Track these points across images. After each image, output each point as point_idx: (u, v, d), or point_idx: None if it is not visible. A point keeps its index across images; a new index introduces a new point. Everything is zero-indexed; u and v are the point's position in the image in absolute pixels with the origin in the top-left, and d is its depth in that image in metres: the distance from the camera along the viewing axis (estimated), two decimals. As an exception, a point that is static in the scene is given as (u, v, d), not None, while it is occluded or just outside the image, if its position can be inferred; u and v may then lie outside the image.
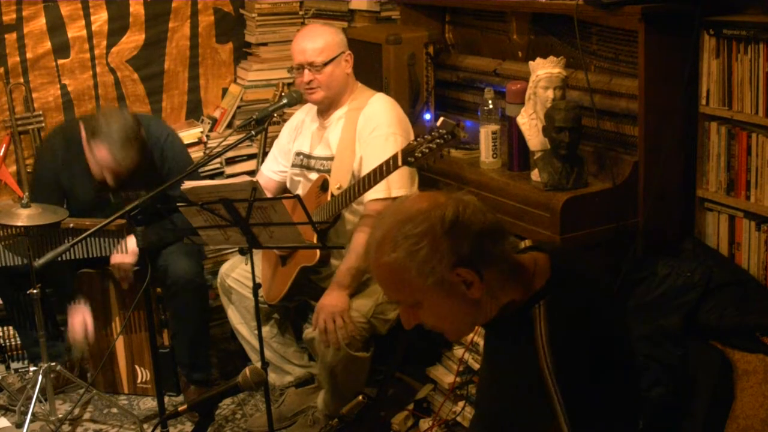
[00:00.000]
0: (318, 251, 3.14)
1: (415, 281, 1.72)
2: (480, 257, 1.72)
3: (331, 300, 3.08)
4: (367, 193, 3.07)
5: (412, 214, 1.73)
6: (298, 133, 3.47)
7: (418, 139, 2.80)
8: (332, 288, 3.11)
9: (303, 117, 3.50)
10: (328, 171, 3.25)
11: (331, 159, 3.27)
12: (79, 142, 3.51)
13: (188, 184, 2.89)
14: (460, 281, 1.72)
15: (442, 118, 2.74)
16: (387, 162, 2.90)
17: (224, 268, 3.54)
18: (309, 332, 3.20)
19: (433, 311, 1.77)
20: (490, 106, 3.39)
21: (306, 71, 3.24)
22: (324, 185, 3.23)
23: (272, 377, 3.50)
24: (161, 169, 3.61)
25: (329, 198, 3.16)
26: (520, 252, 1.89)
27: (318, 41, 3.22)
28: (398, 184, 3.14)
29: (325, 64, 3.22)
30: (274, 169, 3.55)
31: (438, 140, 2.73)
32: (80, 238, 3.12)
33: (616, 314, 1.90)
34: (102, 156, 3.39)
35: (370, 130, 3.19)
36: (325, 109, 3.34)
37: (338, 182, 3.17)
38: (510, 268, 1.77)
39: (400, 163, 2.84)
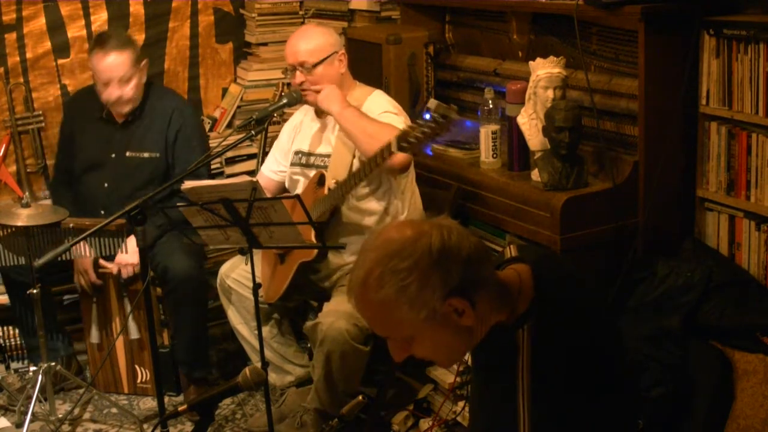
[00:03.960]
0: (316, 246, 3.13)
1: (406, 317, 1.65)
2: (470, 284, 1.66)
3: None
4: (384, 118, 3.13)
5: (396, 248, 1.65)
6: (297, 132, 3.48)
7: (411, 124, 2.80)
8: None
9: (302, 117, 3.50)
10: (327, 167, 3.25)
11: (330, 156, 3.27)
12: (95, 97, 3.73)
13: (188, 184, 2.89)
14: (452, 311, 1.67)
15: (434, 101, 2.73)
16: (381, 151, 2.90)
17: (224, 269, 3.54)
18: (309, 323, 3.20)
19: (426, 344, 1.72)
20: (490, 106, 3.39)
21: (298, 72, 3.24)
22: (321, 180, 3.23)
23: (272, 377, 3.49)
24: (170, 143, 3.76)
25: (326, 192, 3.17)
26: (504, 264, 1.84)
27: (310, 42, 3.23)
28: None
29: (316, 65, 3.22)
30: (274, 169, 3.55)
31: (431, 124, 2.72)
32: (80, 238, 3.11)
33: (605, 325, 1.85)
34: (100, 63, 3.60)
35: (377, 113, 3.19)
36: (321, 109, 3.35)
37: (335, 177, 3.18)
38: (497, 289, 1.72)
39: (394, 149, 2.83)
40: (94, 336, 3.74)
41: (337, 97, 3.16)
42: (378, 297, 1.66)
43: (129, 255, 3.53)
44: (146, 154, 3.74)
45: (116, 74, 3.59)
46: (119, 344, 3.73)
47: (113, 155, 3.76)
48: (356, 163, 3.19)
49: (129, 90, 3.64)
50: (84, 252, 3.45)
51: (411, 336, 1.71)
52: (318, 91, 3.22)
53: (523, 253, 1.86)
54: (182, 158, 3.73)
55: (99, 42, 3.64)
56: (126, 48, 3.62)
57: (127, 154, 3.75)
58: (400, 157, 2.96)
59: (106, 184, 3.76)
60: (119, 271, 3.61)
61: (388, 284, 1.64)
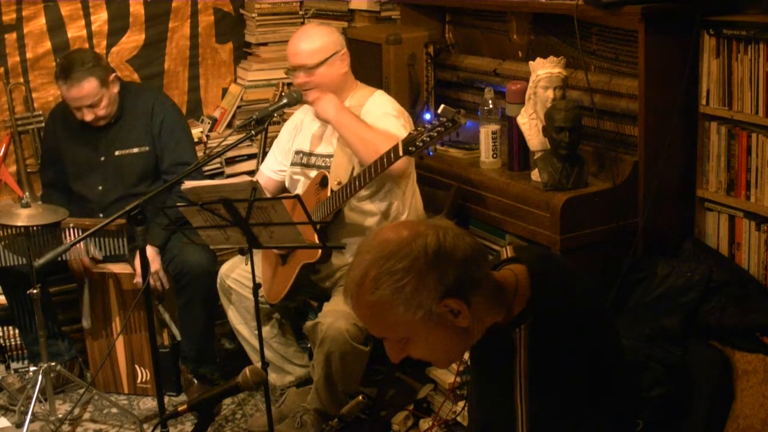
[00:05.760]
0: (319, 248, 3.13)
1: (402, 317, 1.66)
2: (466, 284, 1.67)
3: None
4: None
5: (392, 249, 1.66)
6: (298, 132, 3.48)
7: (419, 128, 2.80)
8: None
9: (302, 117, 3.50)
10: (328, 168, 3.25)
11: (332, 156, 3.27)
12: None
13: (188, 184, 2.89)
14: (448, 311, 1.67)
15: (442, 106, 2.73)
16: (387, 153, 2.89)
17: (224, 269, 3.54)
18: (309, 323, 3.20)
19: (422, 344, 1.72)
20: (490, 106, 3.40)
21: (299, 73, 3.24)
22: (323, 181, 3.23)
23: (273, 377, 3.50)
24: (156, 135, 3.74)
25: (329, 194, 3.17)
26: (501, 264, 1.85)
27: (311, 43, 3.23)
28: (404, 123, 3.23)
29: (318, 65, 3.22)
30: (274, 168, 3.55)
31: (439, 128, 2.73)
32: (80, 238, 3.12)
33: (602, 324, 1.85)
34: (66, 94, 3.56)
35: (377, 114, 3.19)
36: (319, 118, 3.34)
37: (338, 178, 3.18)
38: (493, 290, 1.73)
39: (401, 153, 2.83)
40: (86, 323, 3.71)
41: (333, 103, 3.16)
42: (374, 298, 1.66)
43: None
44: (136, 150, 3.73)
45: (85, 102, 3.57)
46: (119, 344, 3.73)
47: (102, 158, 3.74)
48: (357, 164, 3.19)
49: (101, 109, 3.62)
50: (87, 251, 3.45)
51: (407, 337, 1.71)
52: (315, 97, 3.23)
53: (520, 253, 1.87)
54: (169, 149, 3.74)
55: (62, 72, 3.55)
56: (89, 75, 3.53)
57: (117, 153, 3.73)
58: (398, 163, 2.96)
59: (100, 187, 3.75)
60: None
61: (384, 285, 1.65)
